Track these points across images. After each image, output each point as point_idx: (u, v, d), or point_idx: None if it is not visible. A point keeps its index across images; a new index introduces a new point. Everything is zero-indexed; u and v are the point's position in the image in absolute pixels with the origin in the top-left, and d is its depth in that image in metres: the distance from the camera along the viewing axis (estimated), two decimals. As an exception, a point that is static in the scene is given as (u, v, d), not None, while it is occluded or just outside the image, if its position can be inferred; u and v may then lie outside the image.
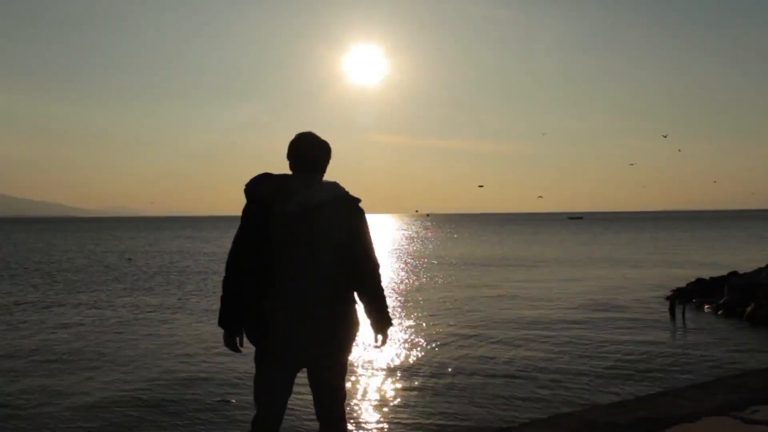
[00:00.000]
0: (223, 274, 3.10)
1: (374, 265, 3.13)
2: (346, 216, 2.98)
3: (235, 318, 3.05)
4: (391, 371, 8.91)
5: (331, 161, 3.19)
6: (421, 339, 11.23)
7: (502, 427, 6.14)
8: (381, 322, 3.19)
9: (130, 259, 33.76)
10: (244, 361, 7.65)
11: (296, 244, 2.88)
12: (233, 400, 7.53)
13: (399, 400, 7.54)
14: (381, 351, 3.33)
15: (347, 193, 3.05)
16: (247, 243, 2.98)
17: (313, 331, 2.91)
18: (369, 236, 3.11)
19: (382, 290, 3.23)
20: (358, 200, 3.07)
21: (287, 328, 2.90)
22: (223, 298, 3.12)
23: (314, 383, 3.02)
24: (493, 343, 10.81)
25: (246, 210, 2.98)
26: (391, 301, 16.32)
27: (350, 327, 3.02)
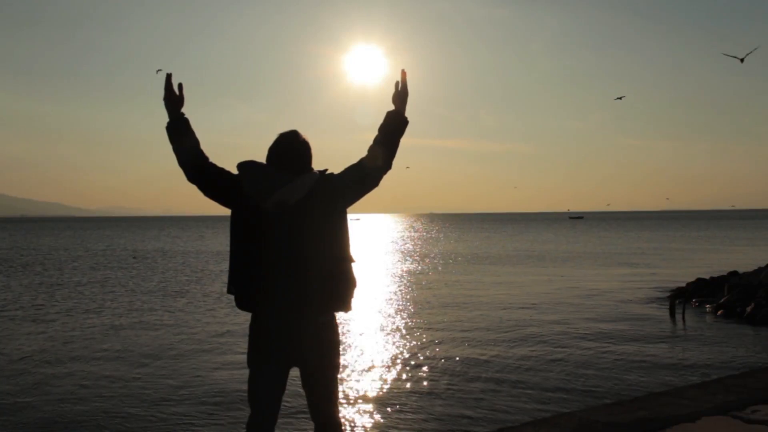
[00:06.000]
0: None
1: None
2: (327, 198, 2.88)
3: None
4: (389, 373, 8.92)
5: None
6: (420, 340, 11.23)
7: (502, 428, 6.14)
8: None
9: (134, 257, 34.21)
10: (239, 363, 7.66)
11: (279, 244, 2.85)
12: (226, 401, 7.53)
13: (399, 400, 7.54)
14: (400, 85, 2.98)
15: (317, 175, 2.90)
16: (234, 223, 2.95)
17: (305, 330, 2.90)
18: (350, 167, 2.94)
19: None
20: (324, 172, 2.92)
21: (278, 326, 2.89)
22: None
23: (308, 384, 3.00)
24: (492, 343, 10.82)
25: (233, 194, 2.90)
26: (390, 301, 16.32)
27: (338, 322, 2.99)
